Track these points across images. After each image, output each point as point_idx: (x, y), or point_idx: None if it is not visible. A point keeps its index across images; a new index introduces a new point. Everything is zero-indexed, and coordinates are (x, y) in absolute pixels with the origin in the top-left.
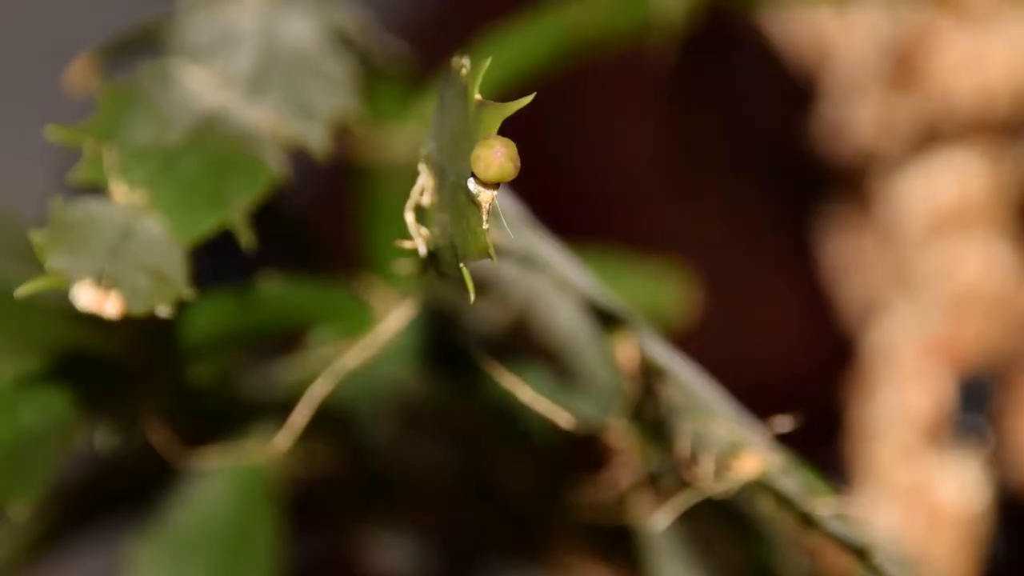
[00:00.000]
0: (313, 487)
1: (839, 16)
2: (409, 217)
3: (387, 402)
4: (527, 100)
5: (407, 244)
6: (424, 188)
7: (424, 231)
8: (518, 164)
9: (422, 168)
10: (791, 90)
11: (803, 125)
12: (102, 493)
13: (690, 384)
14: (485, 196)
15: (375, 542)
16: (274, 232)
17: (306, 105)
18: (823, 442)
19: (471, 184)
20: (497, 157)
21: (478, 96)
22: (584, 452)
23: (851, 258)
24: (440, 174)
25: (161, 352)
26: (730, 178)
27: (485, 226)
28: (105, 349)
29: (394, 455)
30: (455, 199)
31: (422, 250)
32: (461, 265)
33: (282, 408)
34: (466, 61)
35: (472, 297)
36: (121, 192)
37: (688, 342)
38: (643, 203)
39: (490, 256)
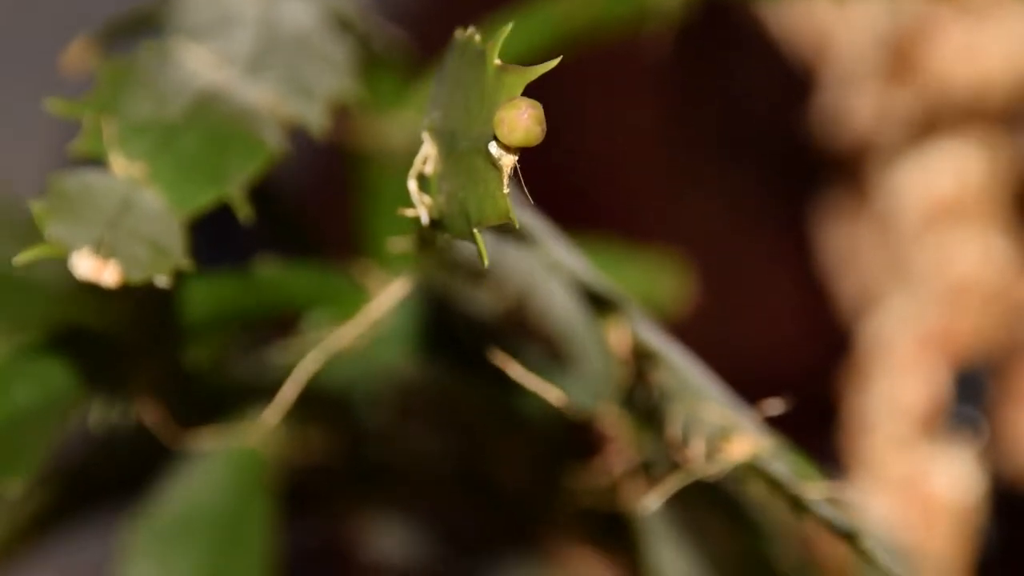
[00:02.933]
0: (308, 474)
1: (837, 6)
2: (412, 185)
3: (383, 388)
4: (552, 64)
5: (409, 212)
6: (427, 157)
7: (427, 199)
8: (544, 127)
9: (425, 137)
10: (789, 80)
11: (801, 115)
12: (96, 474)
13: (682, 368)
14: (507, 160)
15: (370, 529)
16: (272, 216)
17: (305, 85)
18: (818, 433)
19: (492, 148)
20: (523, 119)
21: (498, 61)
22: (579, 439)
23: (848, 249)
24: (448, 141)
25: (157, 332)
26: (728, 168)
27: (506, 190)
28: (101, 327)
29: (390, 442)
30: (470, 164)
31: (424, 219)
32: (475, 231)
33: (276, 391)
34: (474, 31)
35: (486, 262)
36: (120, 165)
37: (684, 331)
38: (641, 192)
39: (510, 220)
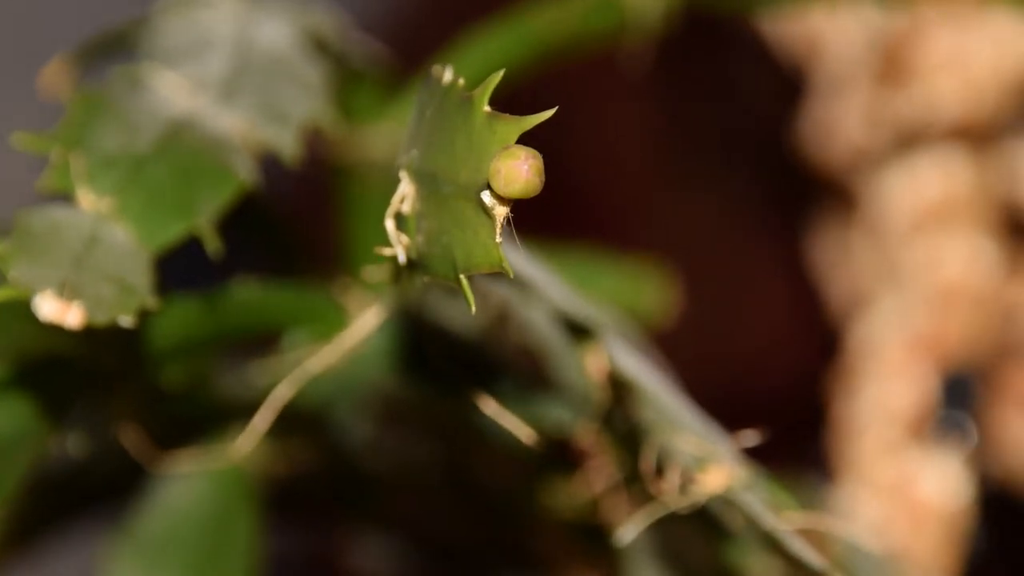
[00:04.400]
0: (292, 487)
1: (829, 14)
2: (389, 224)
3: (366, 402)
4: (547, 115)
5: (386, 251)
6: (405, 196)
7: (404, 238)
8: (543, 178)
9: (403, 176)
10: (780, 86)
11: (791, 121)
12: (77, 495)
13: (658, 398)
14: (500, 210)
15: (355, 541)
16: (251, 233)
17: (279, 110)
18: (807, 436)
19: (486, 196)
20: (523, 171)
21: (487, 108)
22: (563, 452)
23: (837, 253)
24: (428, 182)
25: (134, 356)
26: (719, 173)
27: (498, 239)
28: (77, 354)
29: (373, 455)
30: (457, 210)
31: (401, 257)
32: (461, 276)
33: (256, 410)
34: (449, 71)
35: (473, 308)
36: (88, 200)
37: (674, 336)
38: (632, 197)
39: (504, 270)
